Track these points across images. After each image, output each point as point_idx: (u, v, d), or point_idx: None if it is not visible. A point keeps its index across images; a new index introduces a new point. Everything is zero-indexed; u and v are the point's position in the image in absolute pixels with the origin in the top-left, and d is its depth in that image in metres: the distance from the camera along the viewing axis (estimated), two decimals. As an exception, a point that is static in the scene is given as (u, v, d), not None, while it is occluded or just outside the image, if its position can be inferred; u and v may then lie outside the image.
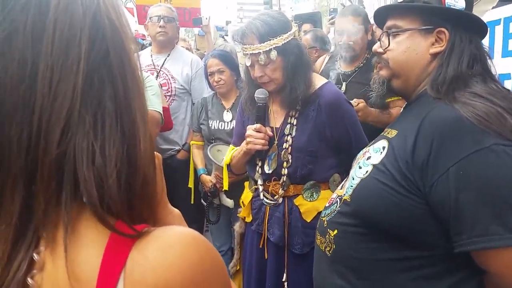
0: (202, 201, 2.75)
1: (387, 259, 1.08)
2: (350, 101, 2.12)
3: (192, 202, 2.90)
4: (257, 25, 1.62)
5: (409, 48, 1.15)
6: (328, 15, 5.09)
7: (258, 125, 1.71)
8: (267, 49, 1.61)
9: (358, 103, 2.15)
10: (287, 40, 1.63)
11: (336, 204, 1.22)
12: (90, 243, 0.48)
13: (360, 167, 1.18)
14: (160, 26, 2.93)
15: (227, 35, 7.62)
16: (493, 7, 2.01)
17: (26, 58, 0.47)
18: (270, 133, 1.73)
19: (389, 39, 1.18)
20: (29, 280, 0.47)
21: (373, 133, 1.86)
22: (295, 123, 1.72)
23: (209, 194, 2.59)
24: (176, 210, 0.68)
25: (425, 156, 0.99)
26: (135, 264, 0.47)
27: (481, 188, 0.93)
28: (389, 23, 1.20)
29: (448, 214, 0.96)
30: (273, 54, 1.61)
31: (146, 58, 3.04)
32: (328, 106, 1.68)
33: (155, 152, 0.57)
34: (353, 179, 1.19)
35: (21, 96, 0.47)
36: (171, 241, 0.49)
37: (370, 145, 1.23)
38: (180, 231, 0.51)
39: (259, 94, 1.72)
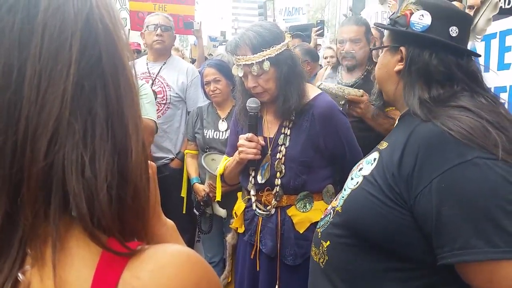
0: (195, 210, 2.72)
1: (375, 270, 1.08)
2: (357, 91, 2.15)
3: (184, 212, 2.88)
4: (250, 36, 1.63)
5: (382, 65, 1.21)
6: (316, 26, 5.13)
7: (250, 135, 1.71)
8: (260, 60, 1.62)
9: (363, 95, 2.15)
10: (280, 51, 1.65)
11: (329, 215, 1.23)
12: (81, 262, 0.46)
13: (352, 178, 1.20)
14: (157, 35, 2.94)
15: (222, 45, 7.64)
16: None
17: (13, 63, 0.44)
18: (262, 143, 1.73)
19: (373, 52, 1.24)
20: None
21: (368, 144, 1.88)
22: (288, 133, 1.73)
23: (201, 204, 2.57)
24: (170, 222, 0.66)
25: (410, 168, 1.00)
26: (128, 286, 0.44)
27: (462, 201, 0.93)
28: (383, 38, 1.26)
29: (431, 226, 0.96)
30: (266, 65, 1.62)
31: (141, 66, 3.03)
32: (321, 116, 1.68)
33: (149, 162, 0.55)
34: (345, 190, 1.20)
35: (6, 103, 0.44)
36: (165, 262, 0.47)
37: (365, 157, 1.24)
38: (175, 251, 0.49)
39: (251, 103, 1.72)
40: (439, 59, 1.09)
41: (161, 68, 2.97)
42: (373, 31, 2.81)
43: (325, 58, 4.78)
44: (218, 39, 10.27)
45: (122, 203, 0.48)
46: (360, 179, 1.14)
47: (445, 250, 0.94)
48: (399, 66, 1.14)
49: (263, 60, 1.62)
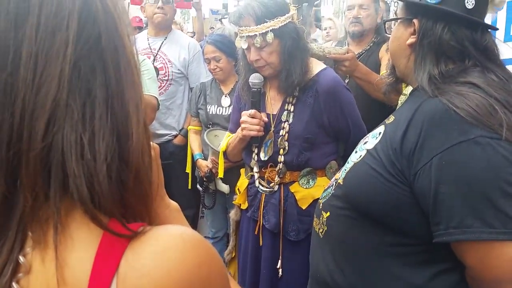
0: (198, 186, 2.74)
1: (372, 243, 1.09)
2: (339, 49, 2.06)
3: (189, 188, 2.89)
4: (254, 7, 1.59)
5: (395, 37, 1.16)
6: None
7: (252, 111, 1.69)
8: (264, 31, 1.58)
9: (348, 51, 2.07)
10: (285, 23, 1.60)
11: (332, 187, 1.24)
12: (82, 244, 0.45)
13: (356, 152, 1.20)
14: (158, 7, 2.86)
15: (224, 18, 7.51)
16: None
17: (8, 44, 0.44)
18: (265, 119, 1.71)
19: (384, 25, 1.19)
20: (14, 285, 0.44)
21: (376, 122, 1.85)
22: (292, 109, 1.70)
23: (204, 179, 2.58)
24: (173, 203, 0.66)
25: (412, 145, 0.98)
26: (129, 268, 0.44)
27: (461, 180, 0.92)
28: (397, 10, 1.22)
29: (428, 203, 0.96)
30: (270, 37, 1.58)
31: (142, 41, 2.98)
32: (325, 92, 1.65)
33: (152, 143, 0.54)
34: (348, 163, 1.20)
35: (2, 85, 0.44)
36: (168, 244, 0.46)
37: (373, 130, 1.23)
38: (177, 232, 0.48)
39: (254, 79, 1.69)
40: (451, 33, 1.05)
41: (162, 43, 2.91)
42: (380, 3, 2.75)
43: (324, 29, 4.69)
44: (220, 12, 10.09)
45: (124, 186, 0.47)
46: (363, 153, 1.13)
47: (441, 228, 0.94)
48: (412, 39, 1.10)
49: (267, 32, 1.58)
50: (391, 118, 1.14)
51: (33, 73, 0.44)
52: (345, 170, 1.18)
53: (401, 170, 1.01)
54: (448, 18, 1.05)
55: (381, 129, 1.14)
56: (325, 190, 1.29)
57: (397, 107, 2.41)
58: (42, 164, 0.44)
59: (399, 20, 1.16)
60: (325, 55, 2.00)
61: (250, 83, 1.70)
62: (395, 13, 1.21)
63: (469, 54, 1.05)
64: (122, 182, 0.47)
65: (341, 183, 1.17)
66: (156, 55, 2.87)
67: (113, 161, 0.46)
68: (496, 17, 1.79)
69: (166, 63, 2.87)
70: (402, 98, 2.35)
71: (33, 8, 0.44)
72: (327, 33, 4.48)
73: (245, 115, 1.71)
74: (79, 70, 0.45)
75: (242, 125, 1.71)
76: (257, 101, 1.72)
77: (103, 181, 0.45)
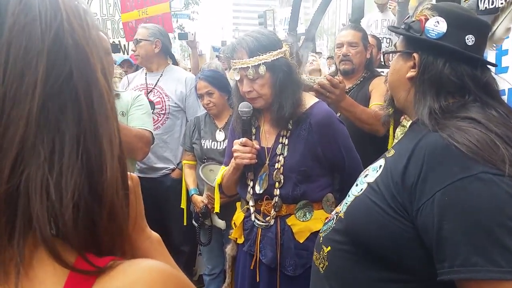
0: (194, 222, 2.70)
1: (372, 280, 1.06)
2: (335, 79, 2.05)
3: (185, 223, 2.85)
4: (248, 41, 1.64)
5: (394, 70, 1.17)
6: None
7: (243, 139, 1.70)
8: (256, 63, 1.62)
9: (341, 81, 2.08)
10: (277, 57, 1.64)
11: (332, 221, 1.22)
12: (47, 284, 0.44)
13: (357, 185, 1.18)
14: (133, 50, 3.01)
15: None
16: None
17: None
18: (257, 147, 1.72)
19: (384, 57, 1.21)
20: None
21: (368, 153, 1.85)
22: (286, 142, 1.71)
23: (200, 215, 2.54)
24: (155, 235, 0.64)
25: (414, 179, 0.97)
26: None
27: (465, 217, 0.90)
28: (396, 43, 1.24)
29: (432, 240, 0.94)
30: (262, 69, 1.61)
31: (140, 78, 3.04)
32: (319, 125, 1.67)
33: (129, 174, 0.53)
34: (349, 196, 1.19)
35: None
36: (135, 277, 0.45)
37: (373, 163, 1.22)
38: (147, 266, 0.47)
39: (243, 107, 1.71)
40: (452, 69, 1.06)
41: (159, 78, 2.96)
42: (370, 38, 2.82)
43: (309, 62, 4.79)
44: (220, 48, 10.34)
45: (95, 223, 0.46)
46: (364, 186, 1.12)
47: (445, 265, 0.92)
48: (412, 73, 1.11)
49: (259, 64, 1.61)
50: (391, 152, 1.14)
51: (0, 114, 0.43)
52: (346, 203, 1.16)
53: (402, 204, 0.99)
54: (449, 54, 1.07)
55: (381, 162, 1.13)
56: (325, 224, 1.27)
57: (395, 140, 2.44)
58: (7, 204, 0.43)
59: (398, 53, 1.17)
60: (313, 85, 2.01)
61: (239, 112, 1.72)
62: (395, 46, 1.22)
63: (469, 89, 1.06)
64: (92, 219, 0.46)
65: (342, 217, 1.15)
66: (152, 89, 2.91)
67: (81, 198, 0.45)
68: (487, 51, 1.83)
69: (163, 97, 2.90)
70: (401, 130, 2.37)
71: (1, 48, 0.44)
72: (310, 63, 4.61)
73: (236, 144, 1.71)
74: (48, 109, 0.45)
75: (235, 154, 1.71)
76: (247, 129, 1.73)
77: (69, 220, 0.44)
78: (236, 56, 1.66)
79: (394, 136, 2.44)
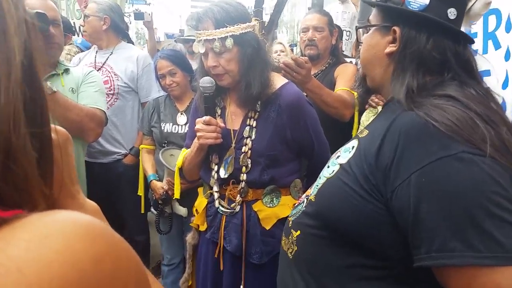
0: (152, 209, 2.56)
1: (344, 265, 1.01)
2: (300, 58, 1.99)
3: (142, 212, 2.70)
4: (214, 11, 1.52)
5: (370, 46, 1.10)
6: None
7: (207, 118, 1.58)
8: (223, 36, 1.50)
9: (307, 61, 2.03)
10: (245, 30, 1.53)
11: (302, 204, 1.16)
12: None
13: (328, 166, 1.12)
14: (81, 25, 2.85)
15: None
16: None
17: None
18: (222, 125, 1.61)
19: (357, 32, 1.15)
20: None
21: (333, 139, 1.81)
22: (254, 125, 1.62)
23: (160, 202, 2.41)
24: (91, 204, 0.55)
25: (389, 160, 0.92)
26: None
27: (443, 199, 0.85)
28: (370, 16, 1.16)
29: (407, 224, 0.89)
30: (229, 42, 1.50)
31: (90, 56, 2.84)
32: (289, 107, 1.59)
33: (55, 126, 0.44)
34: (320, 178, 1.13)
35: None
36: (51, 230, 0.34)
37: (344, 145, 1.16)
38: (67, 217, 0.36)
39: (205, 83, 1.59)
40: (435, 44, 1.00)
41: (108, 57, 2.76)
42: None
43: (275, 52, 4.73)
44: (176, 35, 10.12)
45: None
46: (336, 168, 1.06)
47: (422, 251, 0.87)
48: (391, 48, 1.05)
49: (226, 37, 1.50)
50: (365, 132, 1.08)
51: None
52: (317, 186, 1.11)
53: (376, 186, 0.94)
54: (432, 28, 1.01)
55: (354, 143, 1.08)
56: (295, 207, 1.21)
57: (361, 126, 2.42)
58: None
59: (373, 28, 1.11)
60: (280, 64, 1.95)
61: (201, 88, 1.60)
62: (368, 20, 1.15)
63: (450, 66, 1.01)
64: None
65: (313, 200, 1.09)
66: (100, 68, 2.70)
67: None
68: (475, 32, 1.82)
69: (112, 76, 2.71)
70: (366, 116, 2.35)
71: None
72: (277, 55, 4.51)
73: (199, 123, 1.59)
74: None
75: (198, 134, 1.59)
76: (210, 107, 1.61)
77: None
78: (201, 27, 1.53)
79: (359, 123, 2.42)
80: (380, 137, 0.96)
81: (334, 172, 1.06)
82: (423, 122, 0.90)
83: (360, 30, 1.14)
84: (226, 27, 1.50)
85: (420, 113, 0.92)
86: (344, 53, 4.27)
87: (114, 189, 2.72)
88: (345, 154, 1.08)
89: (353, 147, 1.06)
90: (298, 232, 1.10)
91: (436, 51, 1.00)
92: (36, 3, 1.87)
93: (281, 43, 4.91)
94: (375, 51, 1.08)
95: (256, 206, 1.62)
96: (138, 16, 4.47)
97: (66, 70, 2.01)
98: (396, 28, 1.03)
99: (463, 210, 0.83)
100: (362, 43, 1.14)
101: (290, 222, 1.16)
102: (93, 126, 1.93)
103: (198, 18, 1.54)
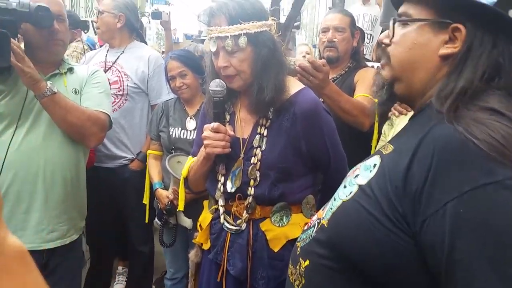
0: (156, 220, 2.42)
1: None
2: (318, 61, 1.84)
3: (146, 221, 2.56)
4: (229, 5, 1.37)
5: (415, 45, 0.91)
6: None
7: (215, 124, 1.43)
8: (236, 33, 1.35)
9: (325, 64, 1.86)
10: (261, 29, 1.38)
11: (313, 228, 1.01)
12: None
13: (345, 186, 0.97)
14: (94, 21, 2.73)
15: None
16: None
17: None
18: (231, 133, 1.46)
19: (393, 28, 0.94)
20: None
21: (351, 149, 1.65)
22: (265, 134, 1.46)
23: (164, 212, 2.27)
24: (14, 246, 0.42)
25: (419, 183, 0.78)
26: None
27: (486, 235, 0.71)
28: (401, 8, 0.97)
29: (440, 263, 0.75)
30: (242, 41, 1.36)
31: (101, 55, 2.72)
32: (305, 115, 1.43)
33: None
34: (334, 200, 0.98)
35: None
36: None
37: (364, 160, 1.00)
38: None
39: (215, 86, 1.45)
40: (503, 47, 0.86)
41: (119, 56, 2.64)
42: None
43: (300, 53, 4.56)
44: (196, 37, 10.09)
45: None
46: (354, 189, 0.92)
47: None
48: (449, 49, 0.88)
49: (240, 35, 1.35)
50: (389, 148, 0.93)
51: None
52: (331, 209, 0.96)
53: (402, 214, 0.80)
54: (500, 29, 0.86)
55: (375, 160, 0.92)
56: (304, 231, 1.06)
57: (383, 136, 2.24)
58: None
59: (419, 23, 0.92)
60: (295, 67, 1.79)
61: (210, 91, 1.45)
62: (404, 15, 0.95)
63: (505, 73, 0.86)
64: None
65: (325, 225, 0.95)
66: (110, 67, 2.59)
67: None
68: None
69: (122, 76, 2.58)
70: (388, 126, 2.17)
71: None
72: (303, 57, 4.34)
73: (207, 130, 1.45)
74: None
75: (205, 142, 1.45)
76: (220, 112, 1.47)
77: None
78: (213, 23, 1.39)
79: (381, 132, 2.24)
80: (409, 155, 0.82)
81: (352, 194, 0.92)
82: (462, 139, 0.76)
83: (392, 24, 0.95)
84: (240, 24, 1.35)
85: (459, 128, 0.77)
86: (366, 57, 4.09)
87: (119, 196, 2.61)
88: (365, 173, 0.93)
89: (374, 165, 0.92)
90: (307, 262, 0.97)
91: (502, 56, 0.85)
92: None
93: (306, 44, 4.75)
94: (423, 52, 0.91)
95: (264, 225, 1.46)
96: (156, 15, 4.41)
97: (70, 69, 1.90)
98: (460, 26, 0.87)
99: (510, 250, 0.69)
100: (393, 40, 0.95)
101: (299, 249, 1.03)
102: (95, 130, 1.81)
103: (210, 13, 1.40)
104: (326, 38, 2.37)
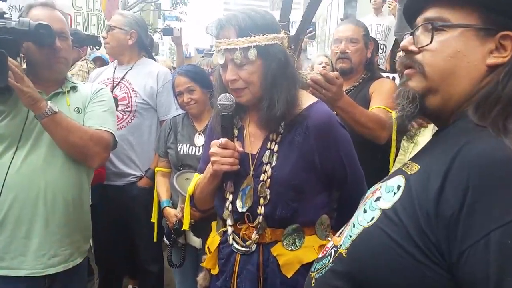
0: (165, 239, 2.34)
1: None
2: (330, 74, 1.76)
3: (155, 240, 2.50)
4: (238, 17, 1.31)
5: (459, 53, 0.81)
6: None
7: (223, 140, 1.35)
8: (246, 45, 1.29)
9: (338, 77, 1.78)
10: (272, 42, 1.31)
11: (329, 258, 0.92)
12: None
13: (365, 211, 0.87)
14: (103, 37, 2.65)
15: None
16: None
17: None
18: (240, 149, 1.38)
19: (432, 34, 0.83)
20: None
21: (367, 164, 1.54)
22: (276, 149, 1.38)
23: (173, 232, 2.19)
24: None
25: (455, 209, 0.69)
26: None
27: None
28: (429, 13, 0.86)
29: None
30: (252, 54, 1.29)
31: (109, 71, 2.69)
32: (318, 129, 1.34)
33: None
34: (353, 226, 0.88)
35: None
36: None
37: (384, 181, 0.90)
38: None
39: (223, 100, 1.38)
40: None
41: (127, 72, 2.60)
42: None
43: (319, 64, 4.47)
44: (207, 51, 10.16)
45: None
46: (376, 214, 0.82)
47: None
48: (497, 59, 0.80)
49: (249, 47, 1.29)
50: (414, 167, 0.83)
51: None
52: (350, 236, 0.86)
53: (436, 244, 0.71)
54: None
55: (399, 181, 0.83)
56: (319, 260, 0.96)
57: (402, 151, 2.12)
58: None
59: (461, 29, 0.82)
60: (307, 80, 1.71)
61: (218, 105, 1.38)
62: (442, 19, 0.84)
63: None
64: None
65: (344, 255, 0.85)
66: (118, 84, 2.55)
67: None
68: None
69: (130, 93, 2.54)
70: (407, 139, 2.05)
71: None
72: (323, 67, 4.25)
73: (214, 146, 1.37)
74: None
75: (212, 158, 1.37)
76: (228, 128, 1.39)
77: None
78: (222, 35, 1.33)
79: (400, 146, 2.12)
80: (440, 176, 0.73)
81: (374, 219, 0.82)
82: (509, 156, 0.67)
83: (431, 29, 0.84)
84: (250, 36, 1.29)
85: (506, 141, 0.69)
86: (380, 67, 3.99)
87: (127, 214, 2.55)
88: (388, 195, 0.83)
89: (399, 186, 0.82)
90: None
91: None
92: (40, 14, 1.73)
93: (325, 55, 4.67)
94: (468, 61, 0.81)
95: (276, 250, 1.36)
96: (167, 31, 4.42)
97: (74, 88, 1.85)
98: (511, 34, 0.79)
99: None
100: (425, 47, 0.85)
101: (313, 281, 0.93)
102: (99, 150, 1.74)
103: (219, 25, 1.34)
104: (338, 49, 2.29)
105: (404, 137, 2.06)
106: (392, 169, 2.09)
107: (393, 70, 4.25)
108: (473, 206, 0.67)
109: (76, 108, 1.78)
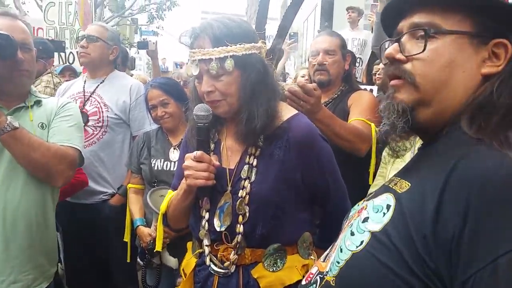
0: (139, 260, 2.22)
1: None
2: (308, 85, 1.70)
3: (128, 260, 2.37)
4: (213, 26, 1.24)
5: (454, 63, 0.76)
6: (288, 39, 4.77)
7: (198, 153, 1.27)
8: (222, 55, 1.21)
9: (316, 88, 1.73)
10: (249, 52, 1.25)
11: (315, 286, 0.84)
12: None
13: (352, 233, 0.80)
14: (81, 46, 2.50)
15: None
16: None
17: None
18: (216, 163, 1.30)
19: (426, 41, 0.77)
20: None
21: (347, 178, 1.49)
22: (255, 163, 1.30)
23: (147, 252, 2.08)
24: None
25: (455, 232, 0.63)
26: None
27: None
28: (417, 18, 0.80)
29: None
30: (229, 64, 1.22)
31: (78, 85, 2.58)
32: (298, 142, 1.27)
33: None
34: (341, 250, 0.80)
35: None
36: None
37: (369, 199, 0.83)
38: None
39: (199, 111, 1.30)
40: None
41: (98, 85, 2.50)
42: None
43: (302, 77, 4.46)
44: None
45: None
46: (366, 237, 0.75)
47: None
48: (491, 68, 0.76)
49: (226, 57, 1.22)
50: (404, 185, 0.76)
51: None
52: (338, 263, 0.78)
53: (435, 271, 0.64)
54: None
55: (388, 199, 0.76)
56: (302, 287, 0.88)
57: (383, 164, 2.08)
58: None
59: (453, 36, 0.77)
60: (284, 92, 1.65)
61: (194, 116, 1.30)
62: (435, 26, 0.78)
63: None
64: None
65: (332, 283, 0.77)
66: (88, 98, 2.44)
67: None
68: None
69: (101, 107, 2.44)
70: (388, 151, 2.01)
71: None
72: (305, 80, 4.23)
73: (188, 159, 1.28)
74: None
75: (186, 172, 1.28)
76: (204, 140, 1.31)
77: None
78: (196, 45, 1.25)
79: (378, 158, 2.08)
80: (435, 195, 0.66)
81: (364, 244, 0.75)
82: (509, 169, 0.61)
83: (425, 36, 0.78)
84: (227, 45, 1.22)
85: (510, 154, 0.63)
86: (357, 80, 4.00)
87: (99, 234, 2.43)
88: (376, 216, 0.76)
89: (388, 206, 0.75)
90: None
91: None
92: (1, 24, 1.61)
93: (306, 68, 4.66)
94: (463, 70, 0.76)
95: (256, 272, 1.28)
96: (142, 45, 4.33)
97: (38, 102, 1.73)
98: (506, 42, 0.75)
99: None
100: (415, 55, 0.79)
101: None
102: (63, 168, 1.62)
103: (193, 34, 1.27)
104: (316, 61, 2.26)
105: (386, 150, 2.03)
106: (374, 183, 2.05)
107: (369, 83, 4.28)
108: (475, 228, 0.61)
109: (40, 124, 1.67)
